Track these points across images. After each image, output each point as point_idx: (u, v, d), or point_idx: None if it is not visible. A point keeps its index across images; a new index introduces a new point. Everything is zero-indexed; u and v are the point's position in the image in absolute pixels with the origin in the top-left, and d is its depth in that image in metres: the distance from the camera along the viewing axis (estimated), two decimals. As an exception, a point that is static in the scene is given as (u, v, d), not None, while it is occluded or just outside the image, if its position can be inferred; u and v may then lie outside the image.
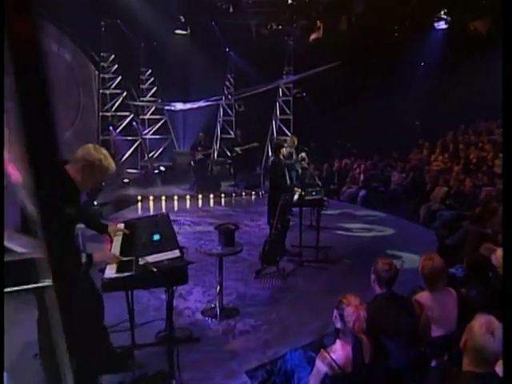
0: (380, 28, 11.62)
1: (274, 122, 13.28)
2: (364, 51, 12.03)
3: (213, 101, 13.23)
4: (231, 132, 13.83)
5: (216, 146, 14.29)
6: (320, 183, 7.60)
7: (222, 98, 13.84)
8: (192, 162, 11.39)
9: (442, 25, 12.22)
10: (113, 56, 11.31)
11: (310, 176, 10.99)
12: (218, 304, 4.54)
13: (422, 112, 13.49)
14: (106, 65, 11.29)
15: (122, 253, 2.82)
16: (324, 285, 5.30)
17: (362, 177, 10.39)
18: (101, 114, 11.23)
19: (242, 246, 4.59)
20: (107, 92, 11.40)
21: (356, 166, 11.07)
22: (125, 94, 11.54)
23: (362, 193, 9.87)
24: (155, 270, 2.37)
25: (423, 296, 3.23)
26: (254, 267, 5.68)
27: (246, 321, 4.39)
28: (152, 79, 13.06)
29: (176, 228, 7.48)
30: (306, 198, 5.89)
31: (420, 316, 3.14)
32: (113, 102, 11.39)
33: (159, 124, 13.19)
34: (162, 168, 12.73)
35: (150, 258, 2.56)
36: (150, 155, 13.09)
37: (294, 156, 8.18)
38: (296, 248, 5.92)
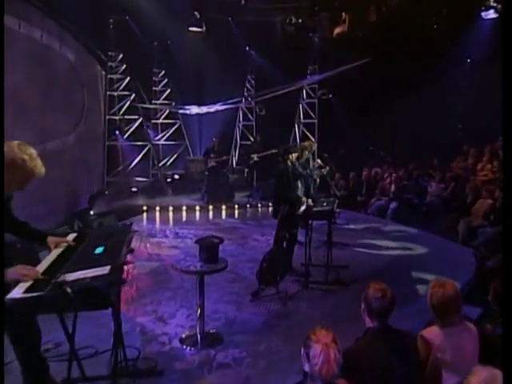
0: (416, 19, 11.00)
1: (297, 127, 13.07)
2: (398, 46, 11.37)
3: (231, 104, 13.10)
4: (251, 138, 13.75)
5: (235, 153, 14.21)
6: (338, 193, 7.20)
7: (241, 101, 13.72)
8: (206, 171, 11.29)
9: (491, 14, 11.41)
10: (121, 55, 11.33)
11: (335, 185, 10.66)
12: (198, 330, 4.16)
13: (467, 114, 12.68)
14: (113, 65, 11.31)
15: (51, 268, 2.51)
16: (329, 311, 4.86)
17: (392, 187, 9.91)
18: (107, 117, 11.22)
19: (227, 262, 4.23)
20: (115, 94, 11.39)
21: (387, 175, 10.53)
22: (133, 96, 11.57)
23: (393, 205, 9.44)
24: (69, 290, 2.04)
25: (432, 332, 2.73)
26: (253, 288, 5.35)
27: (229, 352, 3.99)
28: (165, 81, 13.07)
29: (177, 241, 7.47)
30: (315, 209, 5.46)
31: (427, 358, 2.65)
32: (121, 105, 11.42)
33: (173, 129, 13.21)
34: (176, 176, 12.71)
35: (75, 276, 2.23)
36: (163, 162, 13.15)
37: (312, 163, 7.83)
38: (305, 267, 5.61)
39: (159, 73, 13.02)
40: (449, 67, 11.92)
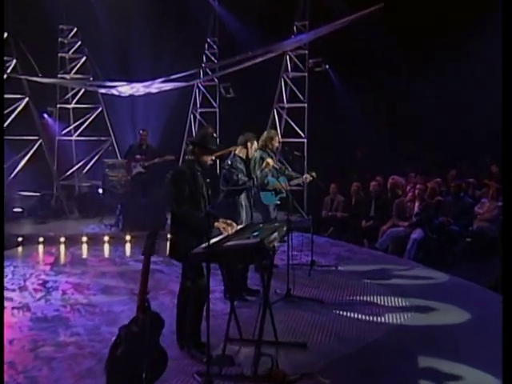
0: None
1: (276, 114, 12.61)
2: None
3: (182, 80, 12.45)
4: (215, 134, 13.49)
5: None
6: (305, 215, 6.28)
7: (198, 76, 13.36)
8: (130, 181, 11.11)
9: None
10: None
11: (329, 202, 9.72)
12: None
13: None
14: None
15: None
16: None
17: (416, 206, 9.26)
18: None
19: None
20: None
21: (411, 186, 9.97)
22: (14, 63, 10.80)
23: (416, 235, 8.87)
24: None
25: None
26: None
27: None
28: (78, 43, 12.68)
29: (32, 298, 6.71)
30: (230, 243, 4.28)
31: None
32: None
33: (91, 118, 12.92)
34: (100, 190, 12.35)
35: None
36: (76, 167, 12.84)
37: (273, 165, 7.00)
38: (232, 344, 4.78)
39: (68, 31, 12.61)
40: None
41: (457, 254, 8.74)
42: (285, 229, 4.94)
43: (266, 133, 7.42)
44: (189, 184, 4.74)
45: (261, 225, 5.15)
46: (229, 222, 4.85)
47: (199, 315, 4.75)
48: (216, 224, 4.73)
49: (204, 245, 4.26)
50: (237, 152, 6.25)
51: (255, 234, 4.55)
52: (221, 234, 4.77)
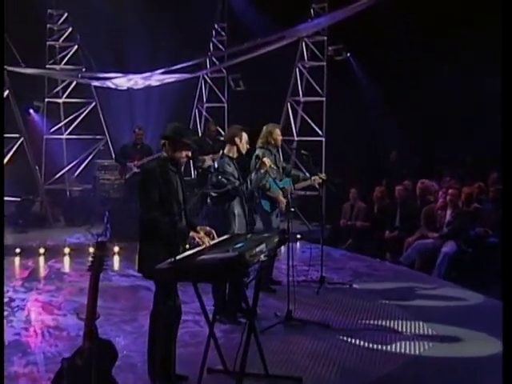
0: None
1: (290, 109, 12.55)
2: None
3: (186, 72, 12.67)
4: (221, 130, 13.39)
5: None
6: (309, 224, 6.33)
7: (204, 66, 13.55)
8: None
9: None
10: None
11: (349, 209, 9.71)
12: None
13: None
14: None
15: None
16: None
17: (448, 214, 9.04)
18: None
19: None
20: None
21: (443, 191, 9.72)
22: None
23: (447, 248, 8.71)
24: None
25: None
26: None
27: None
28: (69, 30, 12.69)
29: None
30: (203, 257, 4.09)
31: None
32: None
33: (84, 114, 12.86)
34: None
35: None
36: (67, 169, 12.94)
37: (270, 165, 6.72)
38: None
39: (58, 17, 12.73)
40: None
41: (496, 272, 8.32)
42: (276, 240, 4.68)
43: (264, 128, 7.32)
44: (159, 185, 4.54)
45: (249, 235, 4.98)
46: (207, 230, 4.70)
47: (171, 342, 4.56)
48: (191, 234, 4.54)
49: (171, 259, 4.04)
50: (225, 152, 6.05)
51: (237, 246, 4.37)
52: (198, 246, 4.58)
